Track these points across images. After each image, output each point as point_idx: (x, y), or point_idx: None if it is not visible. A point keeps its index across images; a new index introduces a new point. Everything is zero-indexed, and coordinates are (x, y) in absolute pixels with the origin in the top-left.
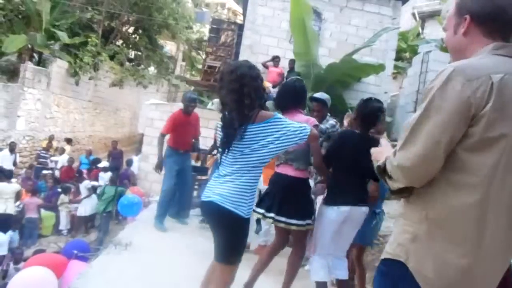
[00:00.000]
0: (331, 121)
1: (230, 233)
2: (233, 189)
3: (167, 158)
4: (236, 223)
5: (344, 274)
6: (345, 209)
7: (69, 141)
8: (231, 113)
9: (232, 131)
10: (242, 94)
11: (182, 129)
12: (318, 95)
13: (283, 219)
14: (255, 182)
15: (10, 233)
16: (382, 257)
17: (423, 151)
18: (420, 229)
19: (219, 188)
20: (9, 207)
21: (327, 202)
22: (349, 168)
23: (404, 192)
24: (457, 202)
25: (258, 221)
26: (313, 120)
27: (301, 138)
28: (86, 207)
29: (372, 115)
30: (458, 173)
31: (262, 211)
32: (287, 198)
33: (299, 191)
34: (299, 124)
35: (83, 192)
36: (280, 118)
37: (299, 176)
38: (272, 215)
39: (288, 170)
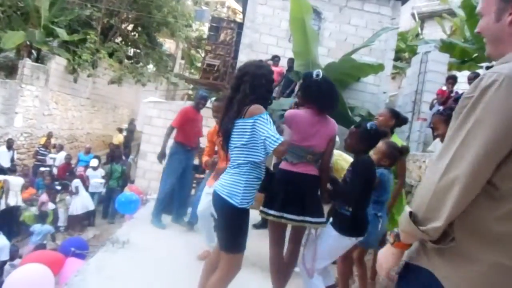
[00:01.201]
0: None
1: (224, 221)
2: (227, 180)
3: (173, 155)
4: (229, 211)
5: (332, 280)
6: (360, 238)
7: (120, 130)
8: (228, 109)
9: (227, 125)
10: (238, 90)
11: (191, 125)
12: None
13: (308, 218)
14: (248, 177)
15: (43, 227)
16: (405, 260)
17: (471, 174)
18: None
19: (222, 179)
20: (19, 200)
21: (344, 232)
22: (366, 199)
23: (447, 238)
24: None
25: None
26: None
27: (267, 149)
28: (77, 205)
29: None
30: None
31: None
32: (311, 197)
33: (317, 188)
34: (273, 134)
35: (74, 190)
36: (264, 119)
37: (317, 174)
38: (298, 217)
39: (309, 169)
